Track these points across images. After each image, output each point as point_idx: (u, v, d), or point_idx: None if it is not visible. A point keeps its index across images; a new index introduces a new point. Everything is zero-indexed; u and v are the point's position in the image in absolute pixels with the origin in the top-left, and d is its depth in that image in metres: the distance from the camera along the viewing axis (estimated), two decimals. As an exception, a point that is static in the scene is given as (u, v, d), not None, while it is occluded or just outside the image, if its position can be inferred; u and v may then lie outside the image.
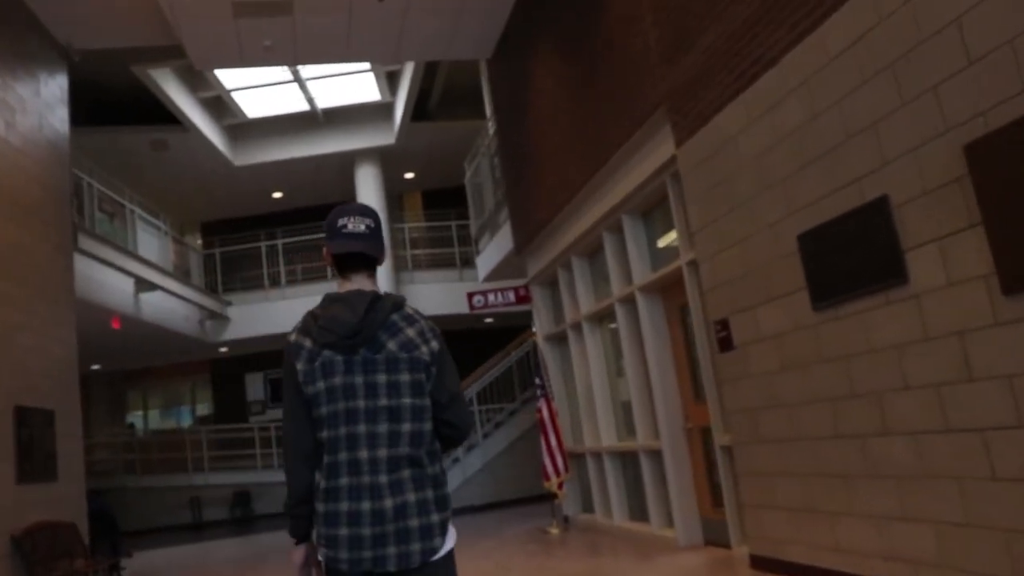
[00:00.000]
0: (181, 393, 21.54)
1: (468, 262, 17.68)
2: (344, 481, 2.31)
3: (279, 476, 15.67)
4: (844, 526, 4.82)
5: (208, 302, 16.31)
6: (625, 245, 8.00)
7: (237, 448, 18.44)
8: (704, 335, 6.45)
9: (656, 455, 7.67)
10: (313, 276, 17.75)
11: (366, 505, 2.28)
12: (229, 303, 17.25)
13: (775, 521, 5.53)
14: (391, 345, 2.39)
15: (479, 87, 16.01)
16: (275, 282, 17.71)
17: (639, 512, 8.41)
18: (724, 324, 5.91)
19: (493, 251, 12.35)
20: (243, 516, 17.50)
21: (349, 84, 15.50)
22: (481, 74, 13.76)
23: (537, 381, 9.68)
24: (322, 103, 15.90)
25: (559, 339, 10.12)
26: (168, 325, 14.84)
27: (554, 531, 9.42)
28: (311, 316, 2.46)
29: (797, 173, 4.96)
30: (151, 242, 14.97)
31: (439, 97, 16.61)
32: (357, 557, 2.28)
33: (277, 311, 17.07)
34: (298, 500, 2.41)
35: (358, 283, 2.52)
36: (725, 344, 5.93)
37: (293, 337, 2.47)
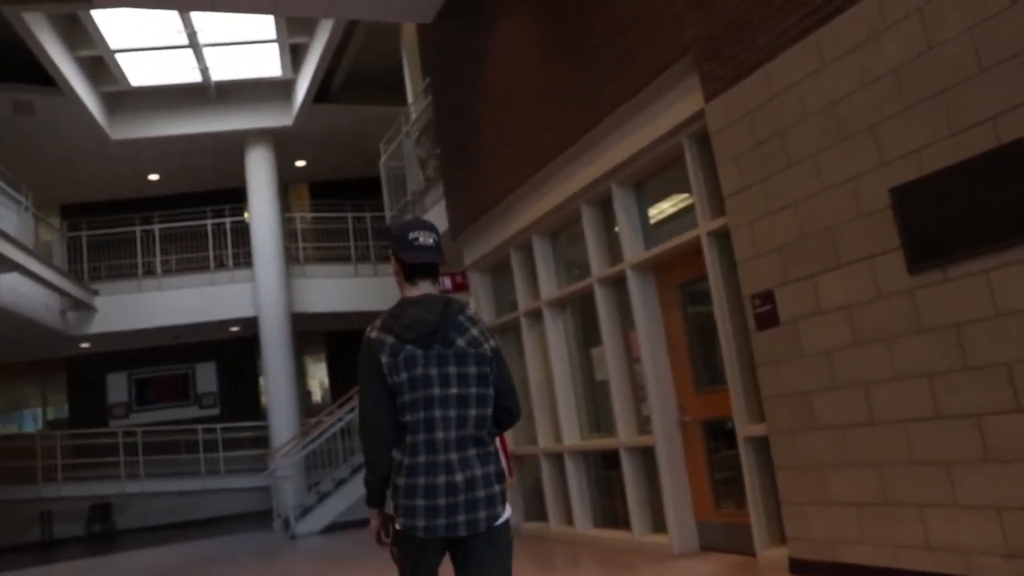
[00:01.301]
0: (27, 394, 19.20)
1: (365, 257, 16.57)
2: (422, 459, 2.70)
3: (147, 485, 14.03)
4: (941, 520, 4.21)
5: (73, 289, 14.47)
6: (609, 220, 7.27)
7: (96, 456, 16.50)
8: (726, 314, 5.77)
9: (640, 453, 6.94)
10: (191, 266, 16.15)
11: (441, 479, 2.67)
12: (96, 292, 15.41)
13: (830, 519, 4.87)
14: (460, 342, 2.80)
15: (389, 70, 15.08)
16: (150, 271, 15.98)
17: (610, 518, 7.64)
18: (767, 297, 5.24)
19: (416, 239, 11.36)
20: (102, 532, 15.61)
21: (249, 55, 14.18)
22: (402, 51, 12.83)
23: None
24: (216, 75, 14.46)
25: (504, 330, 9.25)
26: (24, 312, 13.01)
27: (499, 541, 8.50)
28: (391, 316, 2.81)
29: (892, 119, 4.35)
30: (8, 217, 13.10)
31: (344, 79, 15.46)
32: (432, 524, 2.66)
33: (151, 303, 15.45)
34: (382, 476, 2.79)
35: (424, 288, 2.89)
36: (766, 320, 5.26)
37: (375, 334, 2.80)
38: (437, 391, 2.73)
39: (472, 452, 2.74)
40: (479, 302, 9.37)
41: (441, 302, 2.83)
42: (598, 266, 7.24)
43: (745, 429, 5.66)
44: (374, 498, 2.85)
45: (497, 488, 2.75)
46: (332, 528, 12.03)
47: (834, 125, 4.71)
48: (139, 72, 14.04)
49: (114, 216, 16.39)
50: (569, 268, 8.18)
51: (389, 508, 2.83)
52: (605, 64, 6.69)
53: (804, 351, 4.99)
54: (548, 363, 8.38)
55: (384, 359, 2.73)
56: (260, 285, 15.35)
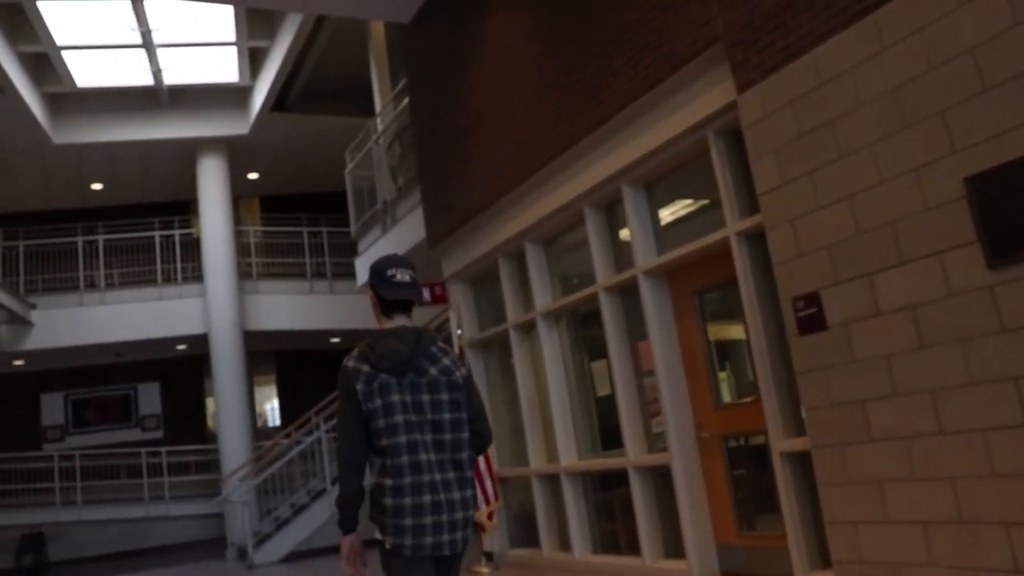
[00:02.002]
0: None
1: (320, 274, 15.92)
2: (407, 480, 2.86)
3: (85, 513, 13.07)
4: (1030, 540, 3.83)
5: (9, 301, 13.51)
6: (614, 224, 6.86)
7: (28, 481, 15.40)
8: (759, 320, 5.38)
9: (651, 473, 6.49)
10: (137, 280, 15.28)
11: (427, 498, 2.86)
12: (33, 306, 14.44)
13: (890, 539, 4.47)
14: (433, 371, 2.99)
15: (350, 80, 14.58)
16: (92, 284, 15.06)
17: (610, 543, 7.16)
18: (811, 300, 4.86)
19: (384, 249, 10.80)
20: (34, 564, 14.51)
21: (206, 59, 13.52)
22: (371, 56, 12.32)
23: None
24: (170, 78, 13.74)
25: (488, 345, 8.76)
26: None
27: (484, 570, 7.96)
28: (368, 347, 2.99)
29: (967, 103, 4.01)
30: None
31: (303, 88, 14.83)
32: (420, 543, 2.84)
33: (93, 318, 14.57)
34: (352, 499, 2.91)
35: (400, 321, 3.08)
36: (811, 325, 4.87)
37: (351, 364, 2.98)
38: (413, 417, 2.93)
39: (452, 475, 2.94)
40: (460, 315, 8.86)
41: (415, 334, 3.04)
42: (603, 273, 6.80)
43: (781, 444, 5.24)
44: (345, 519, 2.93)
45: (471, 512, 3.00)
46: (292, 557, 11.29)
47: (895, 112, 4.36)
48: (86, 72, 13.26)
49: (53, 226, 15.44)
50: (565, 277, 7.74)
51: (367, 532, 2.91)
52: (618, 56, 6.29)
53: (857, 356, 4.60)
54: (541, 379, 7.91)
55: (359, 387, 2.93)
56: (211, 300, 14.59)
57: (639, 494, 6.48)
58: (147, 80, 13.69)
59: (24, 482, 15.39)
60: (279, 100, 14.34)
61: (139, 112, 14.39)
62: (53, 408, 17.07)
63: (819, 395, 4.84)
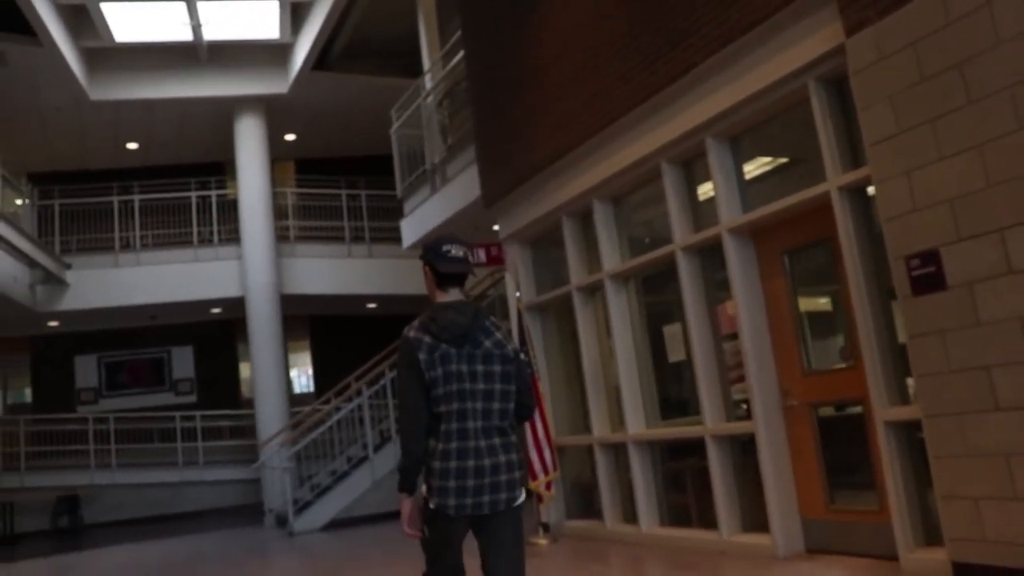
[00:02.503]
0: (-15, 376, 17.89)
1: (359, 238, 15.63)
2: (454, 445, 3.06)
3: (120, 476, 12.91)
4: None
5: (46, 260, 13.34)
6: (693, 180, 6.49)
7: (63, 443, 15.31)
8: (862, 280, 5.02)
9: (730, 442, 6.17)
10: (173, 241, 15.05)
11: (470, 463, 3.05)
12: (69, 266, 14.25)
13: (1018, 517, 4.13)
14: (487, 343, 3.18)
15: (393, 39, 14.19)
16: (127, 245, 14.84)
17: (681, 515, 6.86)
18: (929, 258, 4.49)
19: (433, 211, 10.52)
20: (70, 526, 14.43)
21: (247, 14, 13.17)
22: (419, 9, 11.91)
23: (522, 357, 7.90)
24: (209, 34, 13.40)
25: (548, 308, 8.44)
26: (-9, 283, 11.90)
27: (541, 542, 7.68)
28: (429, 319, 3.16)
29: None
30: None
31: (344, 47, 14.44)
32: (461, 503, 3.03)
33: (128, 279, 14.41)
34: (416, 461, 3.12)
35: (454, 295, 3.26)
36: (928, 285, 4.50)
37: (412, 334, 3.16)
38: (468, 385, 3.09)
39: (497, 441, 3.11)
40: (518, 277, 8.53)
41: (472, 308, 3.22)
42: (681, 232, 6.44)
43: (885, 413, 4.89)
44: (407, 483, 3.11)
45: (517, 474, 3.12)
46: (332, 525, 11.07)
47: (1040, 50, 3.97)
48: (125, 26, 12.93)
49: (89, 185, 15.22)
50: (635, 238, 7.39)
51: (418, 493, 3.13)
52: (700, 3, 5.90)
53: (982, 319, 4.24)
54: (605, 344, 7.59)
55: (422, 356, 3.08)
56: (248, 263, 14.34)
57: (717, 464, 6.16)
58: (186, 35, 13.37)
59: (59, 444, 15.28)
60: (320, 58, 13.98)
61: (177, 69, 14.08)
62: (87, 370, 16.93)
63: (934, 361, 4.49)
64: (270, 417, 13.86)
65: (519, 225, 8.45)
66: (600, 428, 7.51)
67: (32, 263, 13.21)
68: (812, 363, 5.74)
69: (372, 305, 16.61)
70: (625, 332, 7.20)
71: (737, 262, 5.96)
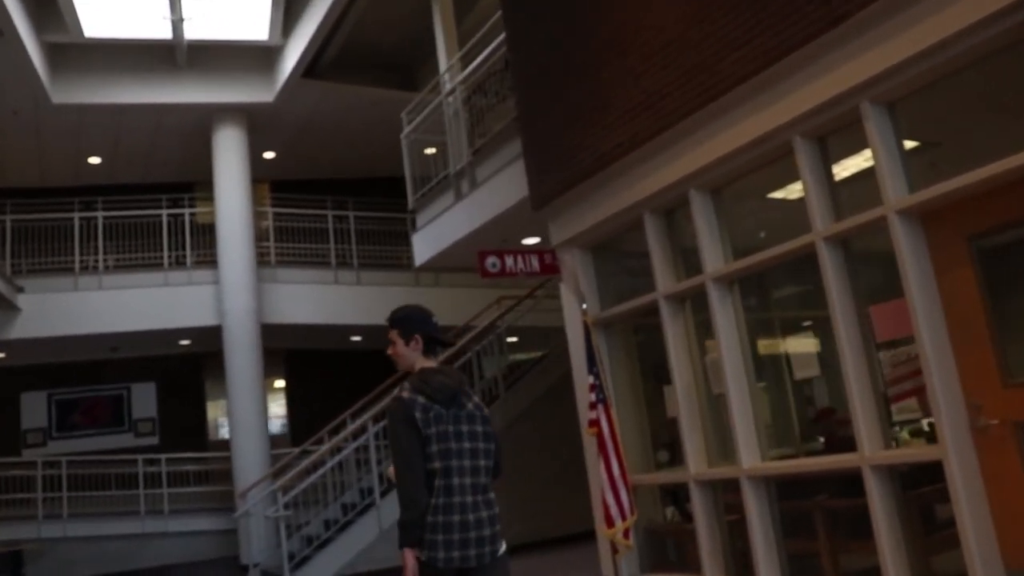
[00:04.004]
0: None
1: (345, 263, 14.30)
2: (442, 500, 3.29)
3: (72, 527, 11.15)
4: None
5: (-4, 281, 11.75)
6: (828, 158, 5.40)
7: (6, 491, 13.49)
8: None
9: (889, 476, 4.99)
10: (139, 263, 13.55)
11: (456, 518, 3.28)
12: (21, 289, 12.64)
13: None
14: (469, 405, 3.50)
15: (390, 47, 13.14)
16: (88, 267, 13.29)
17: (808, 568, 5.64)
18: None
19: (457, 221, 9.30)
20: (12, 586, 12.57)
21: (234, 12, 11.94)
22: (434, 10, 10.78)
23: (592, 380, 6.70)
24: (191, 31, 12.11)
25: (612, 324, 7.25)
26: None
27: (622, 600, 6.40)
28: (421, 381, 3.42)
29: None
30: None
31: (335, 55, 13.22)
32: (450, 555, 3.25)
33: (90, 304, 12.92)
34: (421, 515, 3.28)
35: (434, 360, 3.58)
36: None
37: (407, 395, 3.40)
38: (454, 444, 3.36)
39: (480, 498, 3.39)
40: (576, 288, 7.33)
41: (457, 373, 3.57)
42: (823, 219, 5.32)
43: None
44: (411, 537, 3.27)
45: (497, 528, 3.44)
46: (335, 584, 9.60)
47: None
48: (96, 20, 11.57)
49: (46, 200, 13.67)
50: (743, 233, 6.26)
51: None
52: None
53: None
54: (698, 361, 6.42)
55: (418, 415, 3.34)
56: (226, 287, 12.90)
57: (879, 502, 4.96)
58: (165, 33, 12.04)
59: (1, 492, 13.45)
60: (310, 66, 12.78)
61: (152, 72, 12.74)
62: (35, 409, 15.10)
63: None
64: (249, 460, 12.37)
65: (580, 228, 7.27)
66: (696, 462, 6.28)
67: (-20, 284, 11.63)
68: (1013, 372, 4.62)
69: (357, 337, 15.20)
70: (733, 344, 6.02)
71: (909, 250, 4.84)
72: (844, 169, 5.48)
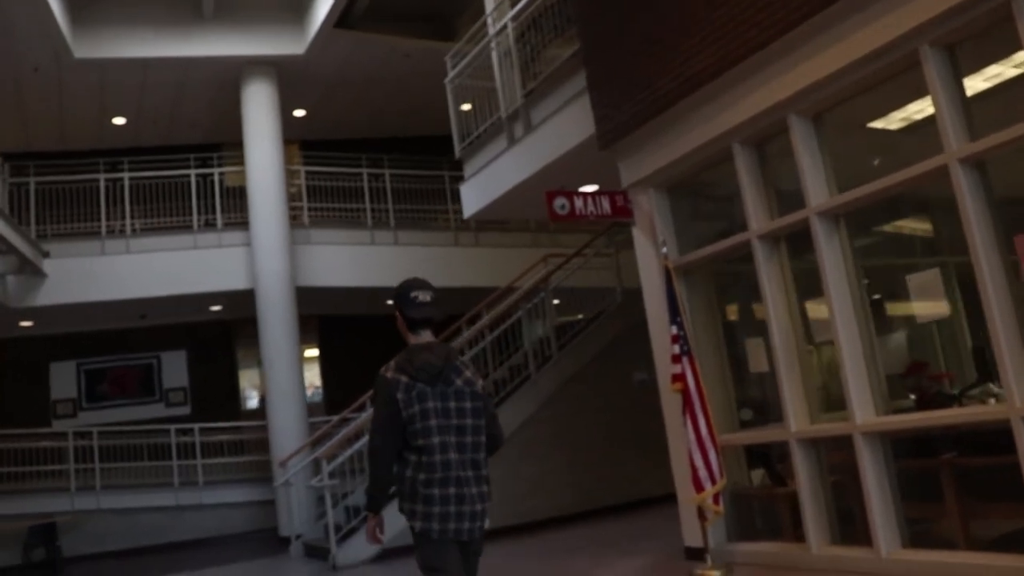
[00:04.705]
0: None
1: (383, 222, 13.71)
2: (438, 475, 3.33)
3: (105, 499, 10.50)
4: None
5: (20, 243, 11.22)
6: (960, 71, 4.72)
7: (37, 463, 13.07)
8: None
9: (1048, 427, 4.36)
10: (168, 226, 13.01)
11: (452, 491, 3.34)
12: (47, 254, 12.13)
13: None
14: (458, 381, 3.48)
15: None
16: (115, 230, 12.75)
17: (933, 534, 5.04)
18: None
19: (510, 167, 8.68)
20: (46, 559, 12.18)
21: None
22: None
23: (675, 331, 6.08)
24: (218, -20, 11.47)
25: (693, 271, 6.62)
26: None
27: (713, 573, 5.80)
28: (406, 360, 3.44)
29: None
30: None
31: (368, 4, 12.53)
32: (444, 527, 3.32)
33: (118, 268, 12.41)
34: (384, 489, 3.44)
35: (426, 336, 3.55)
36: None
37: (390, 374, 3.42)
38: (443, 421, 3.38)
39: (471, 473, 3.41)
40: (653, 231, 6.70)
41: (445, 349, 3.54)
42: (956, 138, 4.65)
43: None
44: (377, 504, 3.51)
45: (487, 504, 3.46)
46: (385, 555, 9.05)
47: None
48: (119, -32, 10.96)
49: (70, 162, 13.13)
50: (850, 162, 5.60)
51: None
52: None
53: None
54: (796, 308, 5.79)
55: (400, 395, 3.37)
56: (258, 249, 12.33)
57: (1034, 460, 4.34)
58: (190, -17, 11.42)
59: (32, 464, 13.03)
60: (342, 16, 12.11)
61: (177, 23, 12.09)
62: (64, 379, 14.64)
63: None
64: (286, 429, 11.84)
65: (655, 166, 6.62)
66: (798, 418, 5.66)
67: (3, 247, 11.10)
68: None
69: (392, 302, 14.60)
70: (842, 287, 5.38)
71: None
72: (979, 82, 4.80)
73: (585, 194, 6.74)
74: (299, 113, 14.52)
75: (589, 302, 11.27)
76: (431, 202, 14.12)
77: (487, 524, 3.45)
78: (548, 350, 10.38)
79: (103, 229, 12.64)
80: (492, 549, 8.79)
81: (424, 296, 3.52)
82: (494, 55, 9.00)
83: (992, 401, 5.02)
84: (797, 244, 5.90)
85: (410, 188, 14.00)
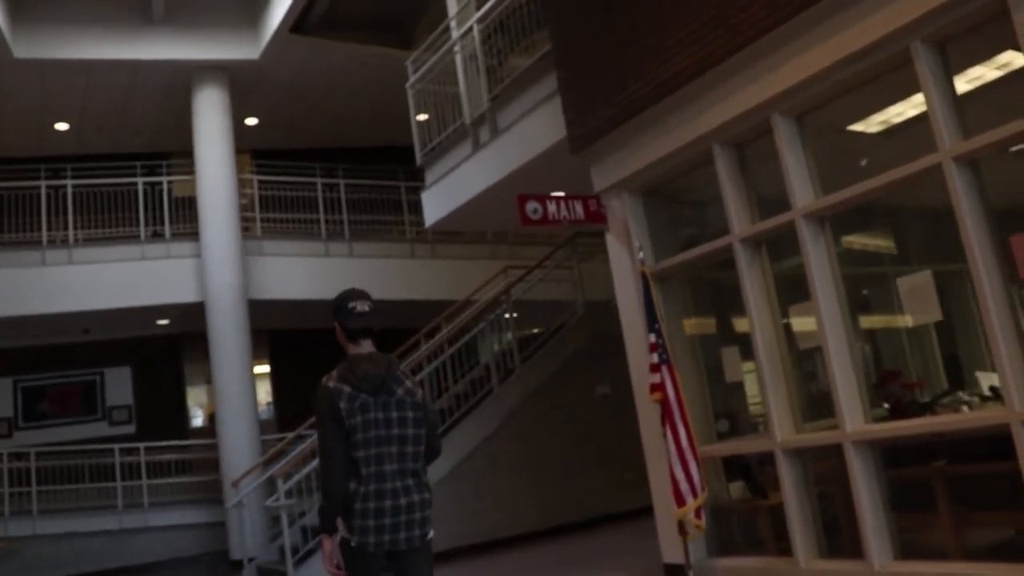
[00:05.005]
0: None
1: (337, 233, 13.37)
2: (373, 487, 3.33)
3: (42, 524, 9.82)
4: None
5: (-44, 255, 10.65)
6: (951, 67, 4.61)
7: (-33, 487, 12.39)
8: None
9: (1047, 433, 4.23)
10: (113, 236, 12.48)
11: (387, 503, 3.32)
12: (-18, 266, 11.56)
13: None
14: (399, 391, 3.46)
15: (382, 5, 12.24)
16: (54, 241, 12.20)
17: (922, 545, 4.89)
18: None
19: (475, 173, 8.45)
20: (-21, 589, 11.50)
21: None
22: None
23: (653, 339, 5.89)
24: (169, -19, 11.09)
25: (670, 277, 6.43)
26: None
27: (696, 587, 5.60)
28: (347, 370, 3.42)
29: None
30: None
31: (325, 11, 12.22)
32: (380, 540, 3.30)
33: (60, 280, 11.79)
34: (339, 504, 3.33)
35: (366, 347, 3.53)
36: None
37: (332, 384, 3.40)
38: (383, 431, 3.37)
39: (411, 482, 3.40)
40: (627, 237, 6.51)
41: (386, 359, 3.50)
42: (949, 137, 4.53)
43: None
44: (329, 524, 3.36)
45: (428, 512, 3.44)
46: None
47: None
48: (64, -35, 10.52)
49: (9, 167, 12.56)
50: (834, 163, 5.47)
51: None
52: None
53: None
54: (776, 311, 5.64)
55: (342, 404, 3.34)
56: (210, 261, 11.91)
57: (1036, 466, 4.20)
58: (139, -17, 11.01)
59: (-37, 488, 12.35)
60: (299, 19, 11.80)
61: (124, 25, 11.67)
62: (0, 397, 14.00)
63: None
64: (237, 447, 11.42)
65: (630, 170, 6.43)
66: (783, 428, 5.49)
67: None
68: None
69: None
70: (829, 290, 5.22)
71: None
72: (969, 81, 4.71)
73: (558, 198, 6.51)
74: (251, 121, 14.13)
75: (546, 315, 11.06)
76: (387, 213, 13.82)
77: (431, 531, 3.44)
78: (511, 363, 10.12)
79: (44, 239, 12.08)
80: (459, 568, 8.54)
81: (362, 306, 3.53)
82: (458, 59, 8.78)
83: (965, 409, 4.95)
84: (779, 249, 5.76)
85: (366, 198, 13.69)
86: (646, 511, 10.12)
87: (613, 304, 6.92)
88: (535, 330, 11.49)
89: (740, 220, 5.72)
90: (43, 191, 12.26)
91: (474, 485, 9.46)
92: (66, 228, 12.31)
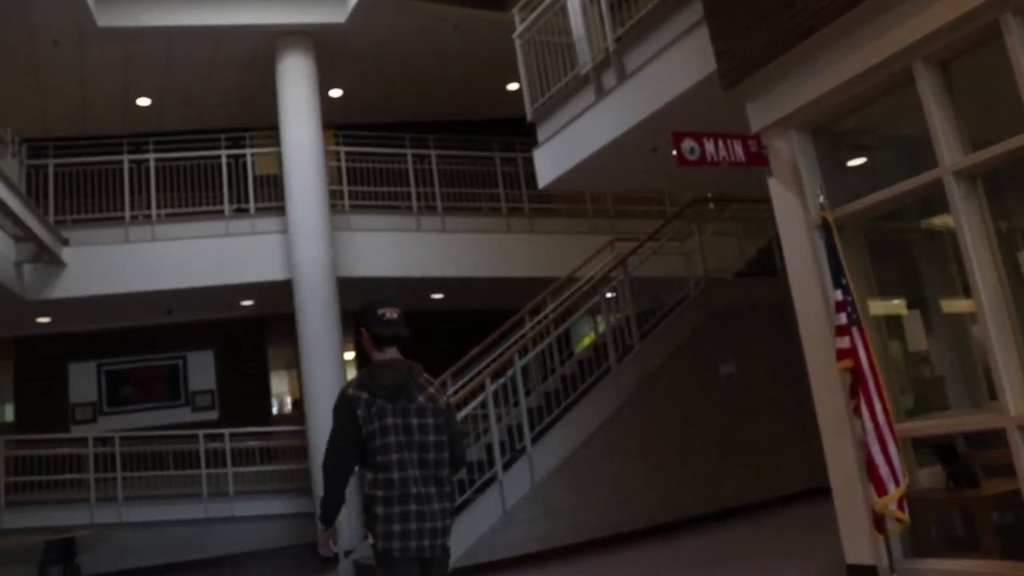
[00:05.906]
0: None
1: (430, 208, 12.61)
2: (397, 492, 3.35)
3: (127, 512, 8.21)
4: None
5: (38, 228, 10.16)
6: None
7: (53, 472, 11.96)
8: None
9: None
10: (197, 212, 11.92)
11: (412, 507, 3.34)
12: (66, 241, 11.08)
13: None
14: (421, 398, 3.49)
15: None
16: (137, 217, 11.69)
17: None
18: None
19: (597, 125, 7.57)
20: (64, 577, 11.06)
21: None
22: None
23: (840, 297, 4.94)
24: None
25: (851, 225, 5.46)
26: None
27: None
28: (368, 376, 3.51)
29: None
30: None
31: (412, -31, 11.49)
32: (406, 546, 3.33)
33: (143, 258, 11.34)
34: (338, 505, 3.47)
35: (391, 353, 3.59)
36: None
37: (351, 391, 3.48)
38: (403, 438, 3.40)
39: (433, 489, 3.42)
40: (797, 182, 5.56)
41: (407, 366, 3.56)
42: None
43: None
44: (330, 518, 3.49)
45: (449, 521, 3.48)
46: (461, 574, 7.87)
47: None
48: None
49: (92, 142, 12.10)
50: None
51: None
52: None
53: None
54: (999, 259, 4.63)
55: (360, 412, 3.41)
56: (297, 236, 11.25)
57: None
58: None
59: (49, 473, 11.92)
60: (385, -19, 11.08)
61: (205, -5, 11.10)
62: (84, 382, 13.55)
63: None
64: (328, 434, 10.69)
65: (799, 103, 5.47)
66: (1018, 399, 4.48)
67: (20, 232, 10.07)
68: None
69: (438, 295, 13.54)
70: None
71: None
72: None
73: (716, 136, 5.59)
74: (335, 93, 13.46)
75: (652, 293, 10.10)
76: (481, 186, 13.01)
77: (450, 542, 3.47)
78: (629, 339, 9.22)
79: (127, 215, 11.58)
80: (595, 563, 7.64)
81: (391, 314, 3.57)
82: (571, 5, 7.89)
83: None
84: (993, 187, 4.75)
85: (458, 170, 12.89)
86: (776, 503, 9.24)
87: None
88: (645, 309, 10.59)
89: (951, 150, 4.72)
90: (125, 165, 11.75)
91: (593, 473, 8.58)
92: (149, 204, 11.78)
